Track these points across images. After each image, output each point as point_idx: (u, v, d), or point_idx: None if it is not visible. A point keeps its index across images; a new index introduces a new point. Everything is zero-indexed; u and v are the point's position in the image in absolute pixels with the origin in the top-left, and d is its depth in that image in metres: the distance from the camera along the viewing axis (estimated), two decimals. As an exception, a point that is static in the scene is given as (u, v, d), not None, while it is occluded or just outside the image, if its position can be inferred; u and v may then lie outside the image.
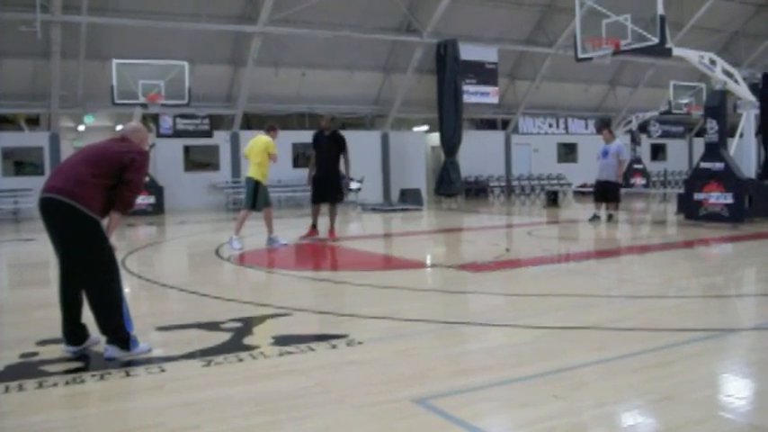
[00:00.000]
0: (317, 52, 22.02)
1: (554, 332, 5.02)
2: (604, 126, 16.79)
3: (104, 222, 4.60)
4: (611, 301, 6.44)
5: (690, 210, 13.22)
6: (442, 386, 3.84)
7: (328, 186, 11.52)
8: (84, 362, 4.46)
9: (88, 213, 4.39)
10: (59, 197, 4.37)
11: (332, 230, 11.69)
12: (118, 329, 4.48)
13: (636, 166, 23.99)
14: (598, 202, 14.40)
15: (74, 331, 4.61)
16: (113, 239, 4.67)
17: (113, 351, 4.46)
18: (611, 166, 13.99)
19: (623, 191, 16.84)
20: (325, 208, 11.68)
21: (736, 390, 3.77)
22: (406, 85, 23.75)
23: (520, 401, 3.58)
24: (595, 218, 14.12)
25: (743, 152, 13.84)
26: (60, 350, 4.64)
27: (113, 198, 4.58)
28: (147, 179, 19.01)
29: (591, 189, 15.83)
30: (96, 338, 4.67)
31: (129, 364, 4.37)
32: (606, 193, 14.15)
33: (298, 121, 24.07)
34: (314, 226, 11.73)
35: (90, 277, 4.48)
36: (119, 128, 22.50)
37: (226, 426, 3.34)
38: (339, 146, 11.47)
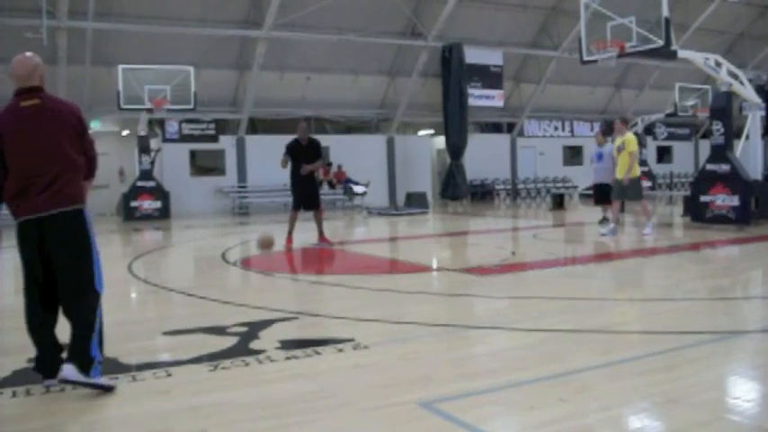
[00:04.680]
0: (322, 56, 22.08)
1: (559, 335, 5.01)
2: (606, 126, 16.80)
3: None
4: (616, 303, 6.44)
5: (696, 212, 13.19)
6: (448, 389, 3.84)
7: (313, 193, 11.40)
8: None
9: None
10: None
11: (324, 235, 11.56)
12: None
13: (642, 168, 23.92)
14: (601, 205, 14.42)
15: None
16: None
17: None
18: (608, 168, 14.03)
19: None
20: (308, 215, 11.52)
21: (742, 392, 3.76)
22: (411, 88, 23.77)
23: (526, 405, 3.58)
24: (605, 220, 14.15)
25: (749, 154, 13.78)
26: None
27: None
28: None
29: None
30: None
31: (136, 368, 4.39)
32: (606, 195, 14.19)
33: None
34: (291, 233, 11.37)
35: None
36: (125, 133, 22.65)
37: (233, 430, 3.36)
38: (317, 153, 11.29)
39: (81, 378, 3.86)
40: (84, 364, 3.87)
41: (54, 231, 3.97)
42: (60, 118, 4.04)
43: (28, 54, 4.14)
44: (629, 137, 11.96)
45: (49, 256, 3.98)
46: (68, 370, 3.86)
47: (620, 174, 11.96)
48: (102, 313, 4.09)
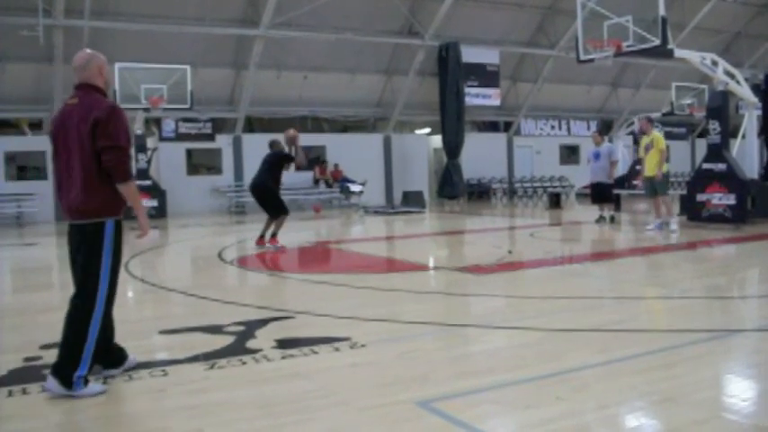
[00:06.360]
0: (319, 55, 22.07)
1: (556, 334, 5.01)
2: (602, 125, 16.93)
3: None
4: (613, 302, 6.44)
5: (693, 211, 13.21)
6: (446, 388, 3.83)
7: None
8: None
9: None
10: None
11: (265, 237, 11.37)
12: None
13: (639, 167, 23.94)
14: (598, 204, 14.46)
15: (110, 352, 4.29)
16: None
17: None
18: (604, 168, 14.13)
19: (626, 192, 16.92)
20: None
21: (739, 391, 3.76)
22: (408, 87, 23.77)
23: (523, 403, 3.58)
24: (602, 218, 14.20)
25: (745, 153, 13.81)
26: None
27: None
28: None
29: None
30: (134, 359, 4.40)
31: (133, 367, 4.37)
32: (603, 194, 14.27)
33: (300, 124, 24.11)
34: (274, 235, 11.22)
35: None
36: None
37: (229, 429, 3.35)
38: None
39: (64, 392, 3.83)
40: (67, 382, 3.83)
41: (71, 240, 4.07)
42: (84, 120, 3.89)
43: (88, 50, 4.22)
44: (657, 135, 12.39)
45: None
46: (51, 383, 3.87)
47: (649, 171, 12.37)
48: (98, 331, 3.95)
